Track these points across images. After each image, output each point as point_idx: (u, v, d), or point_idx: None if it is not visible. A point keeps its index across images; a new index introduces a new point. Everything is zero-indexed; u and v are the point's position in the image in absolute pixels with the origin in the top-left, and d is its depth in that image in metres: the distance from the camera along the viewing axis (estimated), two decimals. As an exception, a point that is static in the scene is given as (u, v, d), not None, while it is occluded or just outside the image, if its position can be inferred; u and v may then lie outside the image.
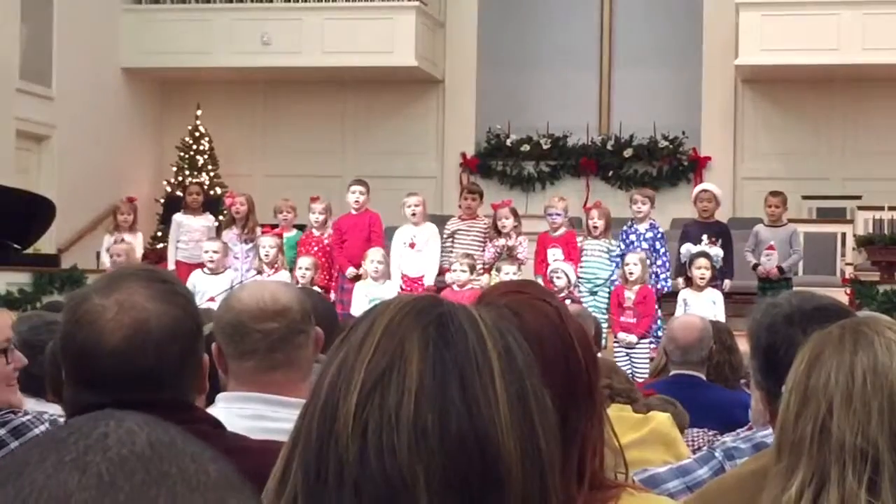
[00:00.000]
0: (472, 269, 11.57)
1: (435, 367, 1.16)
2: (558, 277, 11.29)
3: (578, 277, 11.69)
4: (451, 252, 12.15)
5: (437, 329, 1.19)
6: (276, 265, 12.00)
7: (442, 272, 12.23)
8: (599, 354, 3.92)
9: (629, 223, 12.38)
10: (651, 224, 12.23)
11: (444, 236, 12.45)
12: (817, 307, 2.80)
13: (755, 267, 12.22)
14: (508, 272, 11.30)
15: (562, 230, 12.25)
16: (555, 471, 1.22)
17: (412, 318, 1.21)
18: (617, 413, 4.01)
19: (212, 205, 14.39)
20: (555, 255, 11.97)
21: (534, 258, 12.24)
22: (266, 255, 12.01)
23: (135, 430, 0.88)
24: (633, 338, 11.21)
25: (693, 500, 2.61)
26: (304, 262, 11.91)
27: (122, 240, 12.84)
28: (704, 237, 11.96)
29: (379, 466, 1.12)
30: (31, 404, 3.85)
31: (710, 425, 5.17)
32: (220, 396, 2.75)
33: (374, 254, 11.82)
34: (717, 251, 11.73)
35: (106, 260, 12.95)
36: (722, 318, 10.37)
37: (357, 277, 12.02)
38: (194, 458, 0.89)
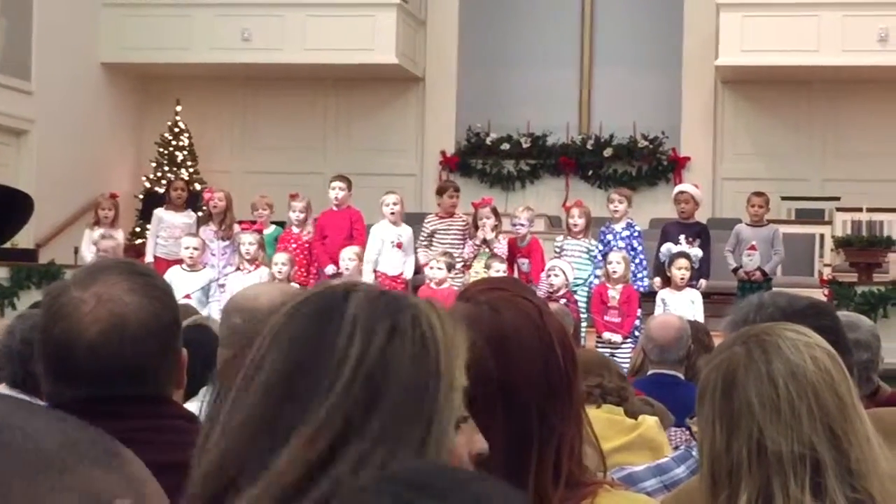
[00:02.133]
0: (450, 267, 11.51)
1: None
2: (555, 275, 11.23)
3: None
4: (430, 250, 12.11)
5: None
6: (256, 261, 11.92)
7: (419, 269, 12.20)
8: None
9: (607, 223, 12.37)
10: (628, 223, 12.23)
11: (423, 235, 12.41)
12: (799, 310, 2.79)
13: (735, 270, 12.22)
14: (499, 270, 11.26)
15: (527, 239, 12.22)
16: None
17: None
18: (608, 415, 3.99)
19: (191, 201, 14.32)
20: (523, 265, 11.98)
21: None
22: (247, 252, 11.90)
23: None
24: (618, 337, 11.21)
25: (670, 499, 2.61)
26: (280, 257, 11.87)
27: (110, 235, 12.73)
28: (682, 237, 11.96)
29: None
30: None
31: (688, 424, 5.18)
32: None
33: (347, 252, 11.83)
34: (695, 251, 11.74)
35: (87, 255, 12.80)
36: (700, 317, 10.40)
37: (337, 274, 12.01)
38: (44, 418, 0.90)
